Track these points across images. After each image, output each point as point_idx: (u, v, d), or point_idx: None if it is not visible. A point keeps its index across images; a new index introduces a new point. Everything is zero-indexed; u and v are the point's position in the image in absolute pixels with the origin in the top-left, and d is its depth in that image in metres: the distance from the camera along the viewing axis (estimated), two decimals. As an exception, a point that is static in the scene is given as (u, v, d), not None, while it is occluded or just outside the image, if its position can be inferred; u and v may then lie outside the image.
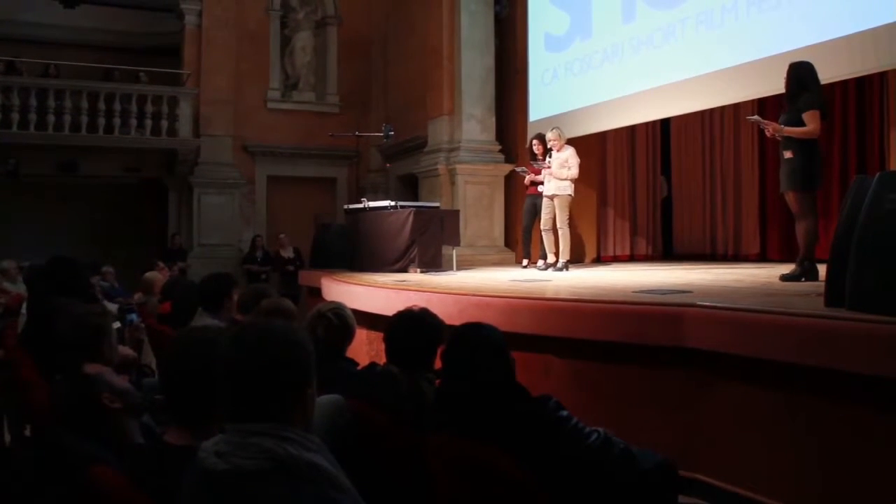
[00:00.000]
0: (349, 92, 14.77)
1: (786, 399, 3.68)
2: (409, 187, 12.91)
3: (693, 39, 8.24)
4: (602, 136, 10.59)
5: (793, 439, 3.65)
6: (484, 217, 11.08)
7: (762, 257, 9.67)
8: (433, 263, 8.92)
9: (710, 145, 10.62)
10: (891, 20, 6.12)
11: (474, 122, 11.43)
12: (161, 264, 9.77)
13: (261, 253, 12.95)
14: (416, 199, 11.17)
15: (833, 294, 3.76)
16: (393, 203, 9.32)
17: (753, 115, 7.03)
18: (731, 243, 10.33)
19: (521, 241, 9.96)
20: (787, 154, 5.88)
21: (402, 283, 6.83)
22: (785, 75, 5.99)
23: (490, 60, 11.59)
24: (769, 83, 6.90)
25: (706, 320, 4.00)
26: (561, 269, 8.66)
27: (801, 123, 5.77)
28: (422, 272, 8.62)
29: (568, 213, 8.83)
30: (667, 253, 11.23)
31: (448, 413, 2.45)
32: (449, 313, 5.70)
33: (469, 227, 10.96)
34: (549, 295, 5.24)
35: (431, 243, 8.97)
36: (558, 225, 8.76)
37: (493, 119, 11.56)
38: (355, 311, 7.39)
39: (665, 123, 11.06)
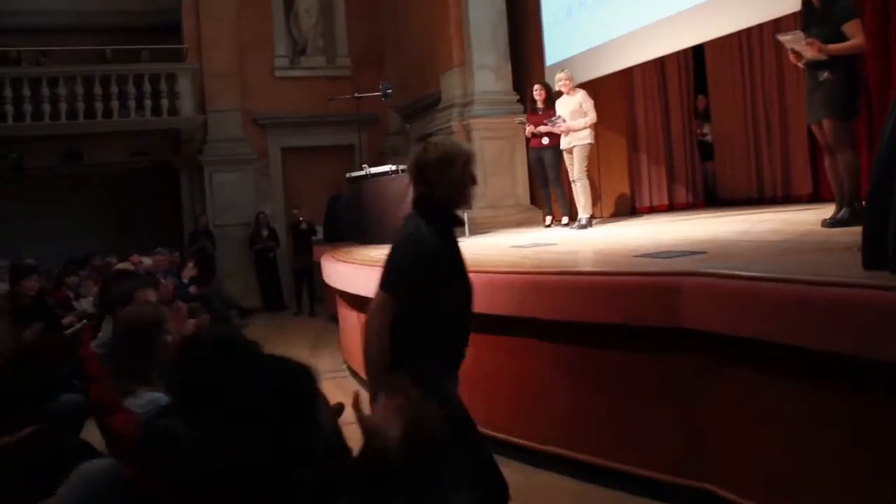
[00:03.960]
0: (361, 53, 13.88)
1: (813, 396, 2.77)
2: (430, 148, 12.03)
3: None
4: (628, 75, 9.52)
5: (821, 447, 2.75)
6: (505, 174, 10.15)
7: (815, 197, 8.52)
8: (442, 231, 8.08)
9: (750, 75, 9.40)
10: None
11: (487, 72, 10.45)
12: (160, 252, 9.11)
13: (266, 230, 12.30)
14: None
15: (873, 252, 2.81)
16: (394, 167, 8.48)
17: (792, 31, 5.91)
18: (780, 184, 9.18)
19: (540, 199, 9.04)
20: (825, 75, 4.94)
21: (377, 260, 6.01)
22: None
23: (501, 4, 10.56)
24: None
25: (706, 293, 3.09)
26: (585, 226, 7.76)
27: (840, 37, 4.81)
28: (428, 241, 7.79)
29: (587, 164, 7.91)
30: (710, 199, 10.13)
31: None
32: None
33: (489, 187, 10.05)
34: (528, 268, 4.35)
35: (438, 209, 8.12)
36: (576, 176, 7.89)
37: (509, 67, 10.56)
38: (347, 294, 6.84)
39: (699, 53, 9.92)
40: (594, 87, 8.64)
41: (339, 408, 4.72)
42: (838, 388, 2.67)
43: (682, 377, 3.33)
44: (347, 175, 9.29)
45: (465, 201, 2.73)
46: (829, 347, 2.58)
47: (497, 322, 4.17)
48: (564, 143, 7.93)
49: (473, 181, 2.74)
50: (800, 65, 5.15)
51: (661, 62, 9.64)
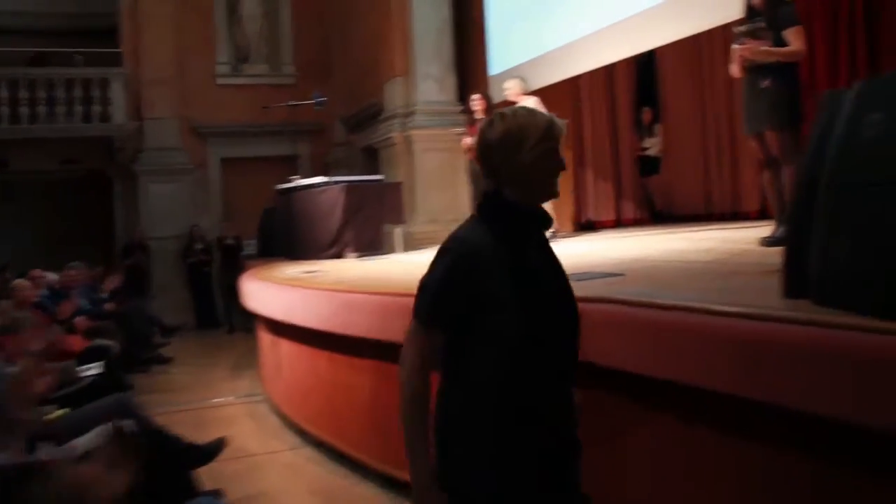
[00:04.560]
0: (307, 61, 13.38)
1: (731, 449, 2.34)
2: (374, 160, 11.59)
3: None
4: (575, 86, 9.17)
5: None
6: (447, 188, 9.70)
7: (763, 214, 8.18)
8: (373, 246, 7.63)
9: (700, 85, 9.11)
10: None
11: (431, 82, 10.05)
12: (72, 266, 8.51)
13: (201, 244, 11.75)
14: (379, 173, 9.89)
15: (793, 279, 2.40)
16: (324, 179, 8.02)
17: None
18: (729, 200, 8.87)
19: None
20: (766, 83, 4.62)
21: (296, 279, 5.52)
22: None
23: (445, 11, 10.17)
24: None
25: (608, 323, 2.65)
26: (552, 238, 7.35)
27: (782, 43, 4.55)
28: (359, 257, 7.34)
29: None
30: (658, 215, 9.77)
31: None
32: (321, 316, 4.48)
33: (431, 200, 9.66)
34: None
35: (370, 223, 7.68)
36: None
37: (453, 77, 10.17)
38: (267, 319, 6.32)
39: (649, 63, 9.61)
40: (539, 98, 8.26)
41: (219, 443, 4.25)
42: (756, 440, 2.24)
43: (601, 421, 2.88)
44: (276, 187, 8.79)
45: (544, 193, 1.92)
46: (739, 392, 2.15)
47: (388, 349, 3.71)
48: None
49: (557, 165, 1.89)
50: (738, 75, 4.83)
51: (608, 72, 9.31)
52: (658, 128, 9.53)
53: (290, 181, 8.45)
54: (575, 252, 5.78)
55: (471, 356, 1.82)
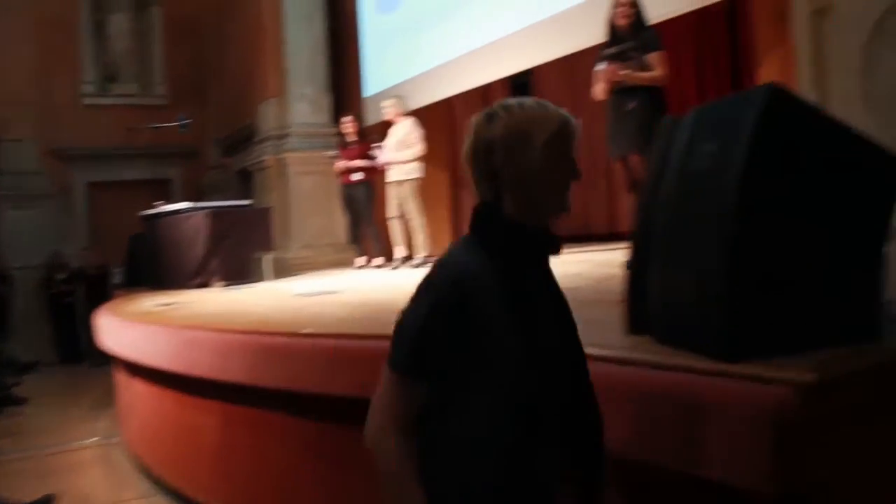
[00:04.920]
0: (180, 81, 12.89)
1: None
2: (249, 183, 11.21)
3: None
4: (448, 107, 9.12)
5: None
6: (322, 212, 9.46)
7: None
8: (241, 274, 7.31)
9: (577, 104, 9.18)
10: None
11: (305, 103, 9.83)
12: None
13: (63, 274, 11.10)
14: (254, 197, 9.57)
15: (635, 312, 2.32)
16: (189, 205, 7.67)
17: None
18: (606, 221, 8.98)
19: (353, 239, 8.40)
20: (632, 105, 4.67)
21: (147, 313, 5.19)
22: (625, 5, 4.71)
23: (320, 30, 9.99)
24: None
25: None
26: (421, 265, 7.26)
27: (647, 67, 4.63)
28: (226, 286, 7.01)
29: (418, 199, 7.41)
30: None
31: None
32: (165, 354, 4.19)
33: (306, 225, 9.42)
34: (265, 327, 3.67)
35: (237, 250, 7.36)
36: (410, 215, 7.36)
37: (329, 98, 9.97)
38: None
39: (524, 85, 9.64)
40: (416, 119, 8.17)
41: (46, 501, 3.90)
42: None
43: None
44: (140, 213, 8.36)
45: (553, 206, 1.55)
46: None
47: (233, 390, 3.48)
48: (397, 175, 7.36)
49: (571, 172, 1.54)
50: (602, 97, 4.83)
51: (483, 93, 9.30)
52: None
53: (155, 207, 8.04)
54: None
55: (460, 414, 1.46)
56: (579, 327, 1.64)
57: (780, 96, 1.76)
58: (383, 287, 5.67)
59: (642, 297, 2.24)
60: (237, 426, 3.71)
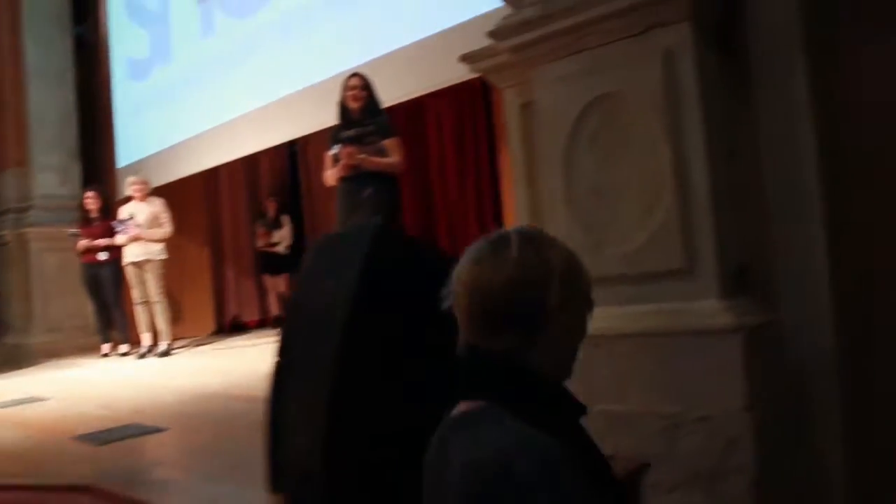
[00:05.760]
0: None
1: None
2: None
3: (280, 51, 6.54)
4: (211, 176, 8.64)
5: None
6: (70, 293, 8.55)
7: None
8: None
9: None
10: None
11: (51, 174, 8.97)
12: None
13: None
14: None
15: (273, 472, 2.03)
16: None
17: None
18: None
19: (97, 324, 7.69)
20: (368, 192, 4.44)
21: None
22: (356, 88, 4.54)
23: (69, 94, 9.21)
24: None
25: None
26: (165, 353, 6.75)
27: (383, 154, 4.52)
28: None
29: (164, 282, 6.89)
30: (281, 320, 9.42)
31: None
32: None
33: (51, 307, 8.51)
34: None
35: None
36: (154, 298, 6.84)
37: (78, 167, 9.18)
38: None
39: (293, 155, 9.36)
40: (172, 192, 7.64)
41: None
42: None
43: None
44: None
45: (572, 362, 1.22)
46: None
47: None
48: (137, 255, 6.80)
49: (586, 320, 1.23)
50: (332, 183, 4.61)
51: (253, 165, 8.93)
52: (286, 219, 8.51)
53: None
54: (186, 370, 5.22)
55: None
56: None
57: (383, 238, 1.58)
58: (108, 387, 5.12)
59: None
60: None
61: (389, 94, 4.81)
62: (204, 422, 3.34)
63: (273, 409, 1.94)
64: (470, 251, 1.18)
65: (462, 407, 1.13)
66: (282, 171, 9.41)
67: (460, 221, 7.24)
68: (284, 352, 2.00)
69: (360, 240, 1.64)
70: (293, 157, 9.44)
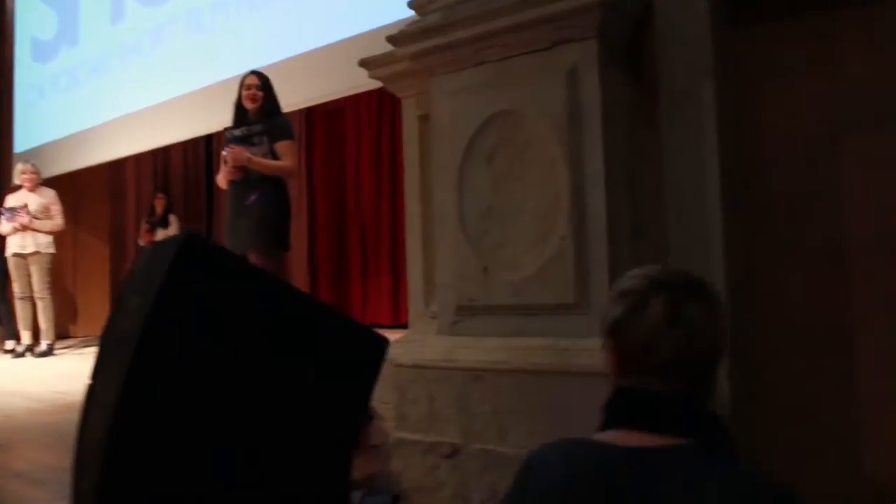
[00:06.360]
0: None
1: None
2: None
3: (191, 44, 6.22)
4: (117, 172, 8.24)
5: None
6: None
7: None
8: None
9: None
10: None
11: (-59, 155, 8.44)
12: None
13: None
14: None
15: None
16: None
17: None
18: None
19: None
20: (252, 198, 4.09)
21: None
22: (252, 87, 4.24)
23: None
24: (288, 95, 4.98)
25: None
26: (46, 353, 6.34)
27: (274, 157, 4.13)
28: None
29: (50, 278, 6.47)
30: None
31: None
32: None
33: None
34: None
35: None
36: (37, 293, 6.41)
37: (-28, 150, 8.65)
38: None
39: (210, 150, 8.95)
40: (73, 183, 7.22)
41: None
42: None
43: None
44: None
45: None
46: None
47: None
48: (25, 247, 6.38)
49: None
50: (225, 186, 4.31)
51: (165, 157, 8.54)
52: (174, 218, 7.89)
53: None
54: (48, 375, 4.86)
55: None
56: None
57: (190, 253, 1.38)
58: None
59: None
60: None
61: (290, 100, 4.58)
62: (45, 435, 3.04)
63: (78, 440, 1.70)
64: None
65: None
66: (195, 168, 9.01)
67: (373, 232, 7.03)
68: (94, 374, 1.77)
69: (165, 254, 1.43)
70: (210, 154, 9.04)
